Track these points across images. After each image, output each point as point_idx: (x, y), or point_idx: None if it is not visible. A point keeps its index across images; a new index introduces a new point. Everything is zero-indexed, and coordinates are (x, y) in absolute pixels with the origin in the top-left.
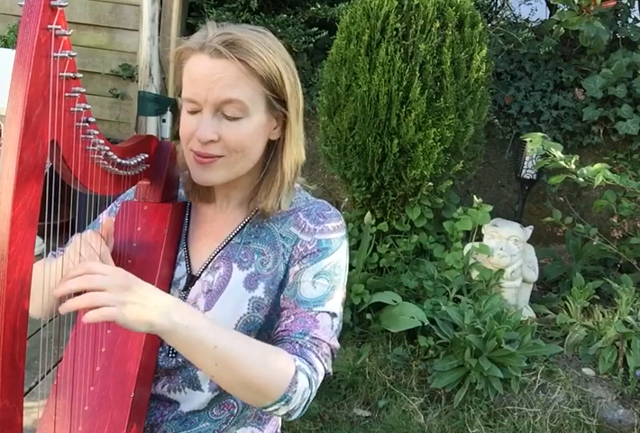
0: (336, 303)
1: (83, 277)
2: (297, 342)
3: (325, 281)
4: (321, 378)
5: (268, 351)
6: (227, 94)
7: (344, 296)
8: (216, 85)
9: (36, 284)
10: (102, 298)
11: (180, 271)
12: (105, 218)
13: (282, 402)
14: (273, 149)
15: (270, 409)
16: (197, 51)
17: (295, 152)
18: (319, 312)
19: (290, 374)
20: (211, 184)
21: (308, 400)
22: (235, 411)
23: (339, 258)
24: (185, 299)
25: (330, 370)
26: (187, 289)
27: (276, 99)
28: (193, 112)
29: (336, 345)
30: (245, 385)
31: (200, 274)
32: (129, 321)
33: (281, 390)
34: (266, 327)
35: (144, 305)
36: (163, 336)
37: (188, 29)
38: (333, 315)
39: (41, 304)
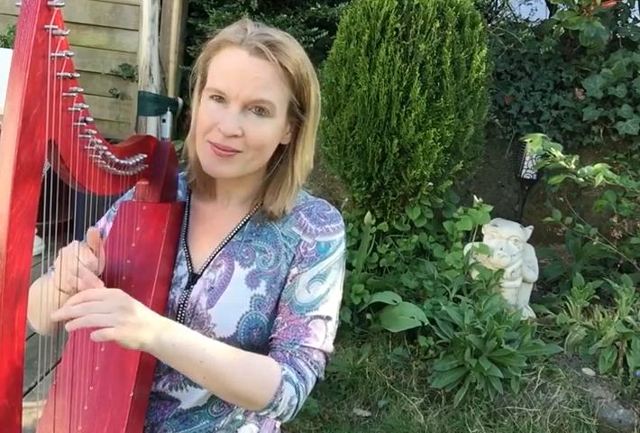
0: (331, 306)
1: (82, 305)
2: (287, 351)
3: (320, 284)
4: (310, 385)
5: (253, 363)
6: (260, 94)
7: (341, 297)
8: (251, 83)
9: (35, 302)
10: (102, 319)
11: (182, 270)
12: (89, 232)
13: (269, 409)
14: (283, 153)
15: (261, 413)
16: (236, 46)
17: (307, 158)
18: (312, 318)
19: (275, 385)
20: (223, 176)
21: (297, 407)
22: (235, 407)
23: (336, 259)
24: (187, 297)
25: (321, 376)
26: (189, 287)
27: (298, 107)
28: (218, 102)
29: (329, 349)
30: (233, 395)
31: (202, 272)
32: (124, 340)
33: (267, 399)
34: (269, 326)
35: (139, 325)
36: (153, 354)
37: (188, 29)
38: (327, 318)
39: (39, 321)
